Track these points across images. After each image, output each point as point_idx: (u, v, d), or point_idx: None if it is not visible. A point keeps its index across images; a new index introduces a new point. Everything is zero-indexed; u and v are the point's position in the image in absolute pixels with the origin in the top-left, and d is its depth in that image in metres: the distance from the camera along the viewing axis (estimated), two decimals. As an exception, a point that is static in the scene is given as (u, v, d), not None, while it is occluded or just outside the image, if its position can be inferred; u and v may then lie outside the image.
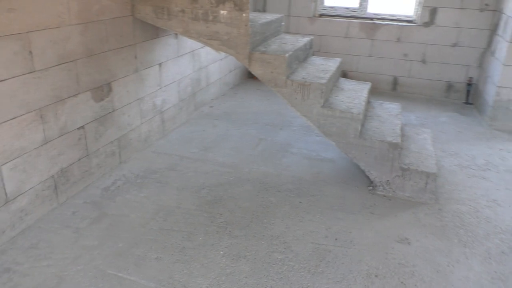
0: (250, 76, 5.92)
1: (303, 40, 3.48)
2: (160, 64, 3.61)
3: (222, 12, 2.91)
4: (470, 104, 5.24)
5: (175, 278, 2.15)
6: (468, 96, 5.26)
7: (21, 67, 2.29)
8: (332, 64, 3.45)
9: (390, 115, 3.38)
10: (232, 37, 2.94)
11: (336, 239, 2.51)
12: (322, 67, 3.33)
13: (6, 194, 2.33)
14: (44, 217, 2.58)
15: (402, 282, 2.20)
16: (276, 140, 3.83)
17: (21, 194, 2.42)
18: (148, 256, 2.29)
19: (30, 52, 2.33)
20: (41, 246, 2.34)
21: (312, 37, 3.73)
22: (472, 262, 2.37)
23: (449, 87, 5.38)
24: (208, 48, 4.51)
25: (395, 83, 5.51)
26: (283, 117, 4.43)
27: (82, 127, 2.82)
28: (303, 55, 3.40)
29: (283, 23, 3.77)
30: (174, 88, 3.91)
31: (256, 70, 2.99)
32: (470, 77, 5.22)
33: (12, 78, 2.25)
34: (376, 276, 2.23)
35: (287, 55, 2.92)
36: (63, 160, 2.70)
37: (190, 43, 4.09)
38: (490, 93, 4.54)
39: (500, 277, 2.26)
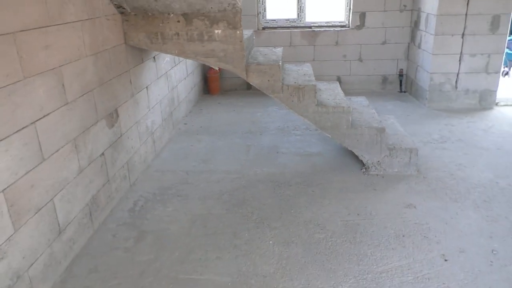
0: (206, 92, 6.18)
1: (278, 51, 3.87)
2: (147, 87, 3.76)
3: (216, 31, 3.19)
4: (404, 92, 6.03)
5: (243, 270, 2.37)
6: (401, 85, 6.06)
7: (58, 100, 2.37)
8: (307, 69, 3.88)
9: (363, 107, 3.89)
10: (228, 53, 3.23)
11: (358, 214, 2.90)
12: (301, 72, 3.75)
13: (59, 224, 2.37)
14: (87, 245, 2.63)
15: (425, 236, 2.65)
16: (263, 144, 4.15)
17: (69, 224, 2.47)
18: (208, 257, 2.48)
19: (63, 85, 2.42)
20: (101, 270, 2.41)
21: (282, 47, 4.14)
22: (467, 212, 2.91)
23: (385, 79, 6.14)
24: (176, 69, 4.71)
25: (339, 81, 6.12)
26: (256, 124, 4.76)
27: (103, 153, 2.91)
28: (282, 64, 3.78)
29: (254, 38, 4.13)
30: (158, 109, 4.06)
31: (253, 80, 3.30)
32: (401, 69, 6.02)
33: (53, 111, 2.32)
34: (403, 235, 2.66)
35: (280, 63, 3.28)
36: (93, 188, 2.77)
37: (164, 65, 4.27)
38: (424, 79, 5.32)
39: (492, 219, 2.82)
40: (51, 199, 2.31)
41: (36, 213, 2.18)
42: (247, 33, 3.81)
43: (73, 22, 2.53)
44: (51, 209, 2.31)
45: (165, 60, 4.29)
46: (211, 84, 6.07)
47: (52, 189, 2.32)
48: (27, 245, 2.11)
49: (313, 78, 3.50)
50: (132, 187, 3.36)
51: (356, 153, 3.46)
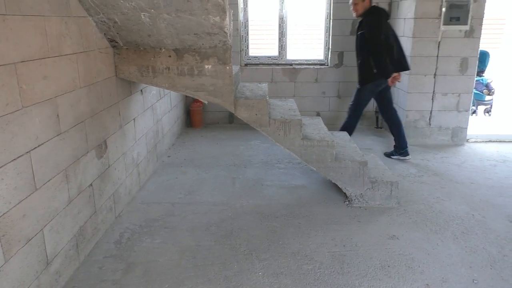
0: (188, 125, 6.24)
1: (264, 86, 4.01)
2: (134, 119, 3.80)
3: (207, 66, 3.30)
4: (380, 128, 6.26)
5: (234, 301, 2.38)
6: (377, 121, 6.29)
7: (52, 130, 2.39)
8: (291, 104, 4.02)
9: (345, 141, 4.03)
10: (218, 87, 3.33)
11: (344, 246, 2.97)
12: (286, 107, 3.88)
13: (47, 256, 2.34)
14: (73, 277, 2.58)
15: (409, 267, 2.73)
16: (248, 177, 4.21)
17: (56, 255, 2.43)
18: (199, 289, 2.48)
19: (58, 115, 2.45)
20: (89, 303, 2.36)
21: (266, 83, 4.29)
22: (447, 243, 3.02)
23: (362, 116, 6.34)
24: (161, 102, 4.78)
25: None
26: (239, 157, 4.84)
27: (91, 184, 2.90)
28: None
29: (240, 73, 4.27)
30: (143, 141, 4.09)
31: (241, 114, 3.40)
32: (377, 106, 6.26)
33: (47, 141, 2.34)
34: (388, 266, 2.73)
35: (267, 98, 3.40)
36: (81, 219, 2.75)
37: (150, 98, 4.33)
38: (400, 116, 5.54)
39: (471, 250, 2.94)
40: (41, 229, 2.28)
41: (26, 243, 2.15)
42: (234, 68, 3.93)
43: (69, 54, 2.58)
44: (41, 240, 2.28)
45: (152, 93, 4.36)
46: (194, 117, 6.15)
47: (43, 219, 2.30)
48: (16, 276, 2.07)
49: (298, 113, 3.63)
50: (117, 219, 3.33)
51: (340, 186, 3.56)
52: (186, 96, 6.08)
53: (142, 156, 4.06)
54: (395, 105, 5.65)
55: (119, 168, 3.42)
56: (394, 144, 4.86)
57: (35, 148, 2.22)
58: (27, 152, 2.15)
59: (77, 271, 2.65)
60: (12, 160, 2.04)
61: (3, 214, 1.97)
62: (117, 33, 3.06)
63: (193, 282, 2.54)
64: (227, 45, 3.19)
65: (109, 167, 3.21)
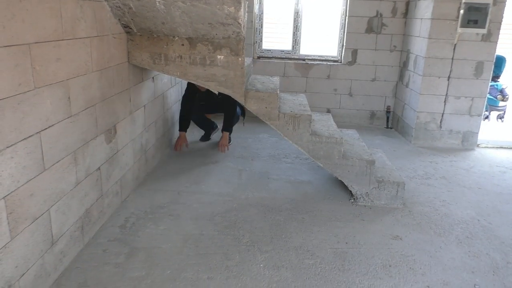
0: (198, 115, 6.24)
1: (276, 80, 4.00)
2: (144, 106, 3.82)
3: (219, 57, 3.30)
4: (391, 128, 6.22)
5: (234, 291, 2.40)
6: (388, 121, 6.25)
7: (63, 112, 2.42)
8: (302, 99, 4.01)
9: (354, 139, 4.02)
10: (229, 78, 3.33)
11: (346, 243, 2.97)
12: (297, 102, 3.87)
13: (52, 236, 2.37)
14: (77, 258, 2.62)
15: (410, 268, 2.73)
16: (254, 170, 4.22)
17: (61, 236, 2.47)
18: (199, 277, 2.50)
19: (69, 98, 2.47)
20: (90, 284, 2.40)
21: (278, 77, 4.28)
22: (450, 247, 3.01)
23: (372, 115, 6.33)
24: (172, 90, 4.80)
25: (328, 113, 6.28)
26: (247, 149, 4.84)
27: (99, 168, 2.93)
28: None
29: (252, 66, 4.26)
30: (153, 128, 4.11)
31: (251, 106, 3.40)
32: (388, 106, 6.23)
33: (57, 123, 2.36)
34: (390, 266, 2.73)
35: (278, 92, 3.39)
36: (87, 201, 2.78)
37: (161, 86, 4.35)
38: (411, 117, 5.52)
39: (474, 255, 2.92)
40: (48, 209, 2.31)
41: (32, 222, 2.18)
42: (247, 60, 3.92)
43: (83, 38, 2.60)
44: (47, 220, 2.31)
45: (163, 81, 4.37)
46: (203, 107, 6.14)
47: (50, 199, 2.33)
48: (21, 254, 2.11)
49: (308, 108, 3.62)
50: (123, 203, 3.37)
51: (346, 183, 3.55)
52: (198, 86, 6.08)
53: (151, 143, 4.08)
54: (405, 105, 5.62)
55: (127, 154, 3.45)
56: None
57: (45, 129, 2.25)
58: (37, 133, 2.18)
59: (81, 252, 2.69)
60: (22, 140, 2.06)
61: (11, 192, 2.00)
62: (132, 19, 3.07)
63: (195, 270, 2.56)
64: (240, 36, 3.18)
65: (117, 152, 3.24)
